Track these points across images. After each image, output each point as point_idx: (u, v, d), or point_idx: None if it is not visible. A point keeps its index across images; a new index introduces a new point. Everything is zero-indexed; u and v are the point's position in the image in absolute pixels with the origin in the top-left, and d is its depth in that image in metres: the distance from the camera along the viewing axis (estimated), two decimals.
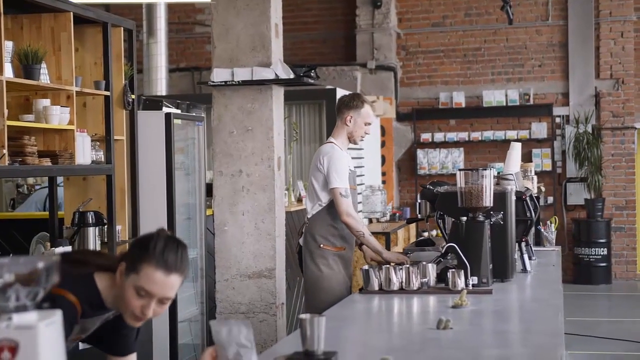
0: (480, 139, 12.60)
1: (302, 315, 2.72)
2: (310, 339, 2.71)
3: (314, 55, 13.22)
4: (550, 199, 12.36)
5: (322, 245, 5.13)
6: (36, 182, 7.71)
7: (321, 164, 5.10)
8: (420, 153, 12.76)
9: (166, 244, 2.60)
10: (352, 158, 9.52)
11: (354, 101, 5.23)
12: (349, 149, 5.34)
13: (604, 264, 12.10)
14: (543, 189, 10.35)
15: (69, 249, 5.09)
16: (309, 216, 5.26)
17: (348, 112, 5.20)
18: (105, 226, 5.43)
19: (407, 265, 4.26)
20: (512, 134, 12.41)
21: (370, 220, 10.09)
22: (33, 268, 1.70)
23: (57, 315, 1.72)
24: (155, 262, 2.55)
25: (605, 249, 12.08)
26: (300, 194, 8.77)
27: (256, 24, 5.56)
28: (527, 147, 12.41)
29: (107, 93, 5.40)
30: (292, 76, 5.53)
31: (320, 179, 5.12)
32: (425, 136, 12.76)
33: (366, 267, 4.31)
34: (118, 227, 5.59)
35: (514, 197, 4.62)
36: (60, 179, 5.89)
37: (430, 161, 12.76)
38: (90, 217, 5.29)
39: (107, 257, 2.76)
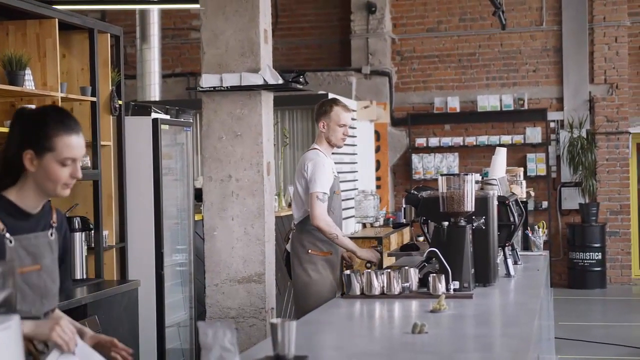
0: (475, 143, 12.62)
1: (273, 320, 2.75)
2: (281, 343, 2.73)
3: (310, 60, 13.25)
4: (545, 204, 12.38)
5: (310, 251, 5.18)
6: None
7: (305, 170, 5.18)
8: (415, 158, 12.78)
9: (58, 112, 2.75)
10: (346, 163, 9.64)
11: (323, 107, 5.35)
12: (333, 153, 5.39)
13: (598, 269, 12.10)
14: (532, 193, 10.36)
15: None
16: (295, 222, 5.31)
17: (320, 119, 5.33)
18: (92, 231, 5.45)
19: (389, 270, 4.28)
20: (506, 138, 12.43)
21: (364, 225, 10.10)
22: None
23: (13, 321, 1.73)
24: (64, 131, 2.69)
25: (600, 253, 12.08)
26: (291, 199, 8.79)
27: (245, 30, 5.58)
28: (521, 152, 12.44)
29: (94, 99, 5.42)
30: (280, 82, 5.55)
31: (305, 185, 5.19)
32: (420, 141, 12.78)
33: (348, 271, 4.33)
34: (105, 233, 5.61)
35: (496, 202, 4.63)
36: None
37: (425, 166, 12.78)
38: (77, 223, 5.30)
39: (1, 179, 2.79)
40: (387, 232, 9.53)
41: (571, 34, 12.48)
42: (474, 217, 4.42)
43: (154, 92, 10.77)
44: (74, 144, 2.69)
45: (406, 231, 10.55)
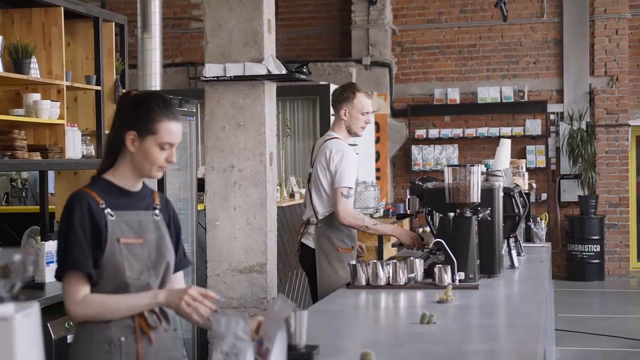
0: (474, 135, 12.63)
1: None
2: (292, 332, 2.74)
3: (310, 51, 13.24)
4: (544, 196, 12.39)
5: (339, 249, 5.06)
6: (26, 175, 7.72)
7: (332, 162, 4.97)
8: (414, 149, 12.79)
9: (162, 99, 2.88)
10: None
11: (345, 93, 5.13)
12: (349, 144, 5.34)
13: (597, 261, 12.13)
14: (534, 185, 10.37)
15: None
16: (319, 217, 5.10)
17: (341, 106, 5.12)
18: None
19: (395, 261, 4.29)
20: (506, 130, 12.44)
21: None
22: (9, 260, 1.72)
23: (33, 308, 1.74)
24: (167, 117, 2.82)
25: (599, 245, 12.11)
26: (292, 190, 8.79)
27: (249, 20, 5.56)
28: (521, 144, 12.45)
29: (98, 88, 5.42)
30: (284, 72, 5.54)
31: (330, 179, 4.99)
32: (420, 132, 12.79)
33: (353, 262, 4.33)
34: None
35: (501, 194, 4.63)
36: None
37: (424, 157, 12.78)
38: None
39: (103, 161, 2.93)
40: (388, 223, 9.53)
41: (572, 26, 12.48)
42: (479, 208, 4.42)
43: (155, 81, 10.70)
44: (174, 130, 2.83)
45: (406, 222, 10.57)
